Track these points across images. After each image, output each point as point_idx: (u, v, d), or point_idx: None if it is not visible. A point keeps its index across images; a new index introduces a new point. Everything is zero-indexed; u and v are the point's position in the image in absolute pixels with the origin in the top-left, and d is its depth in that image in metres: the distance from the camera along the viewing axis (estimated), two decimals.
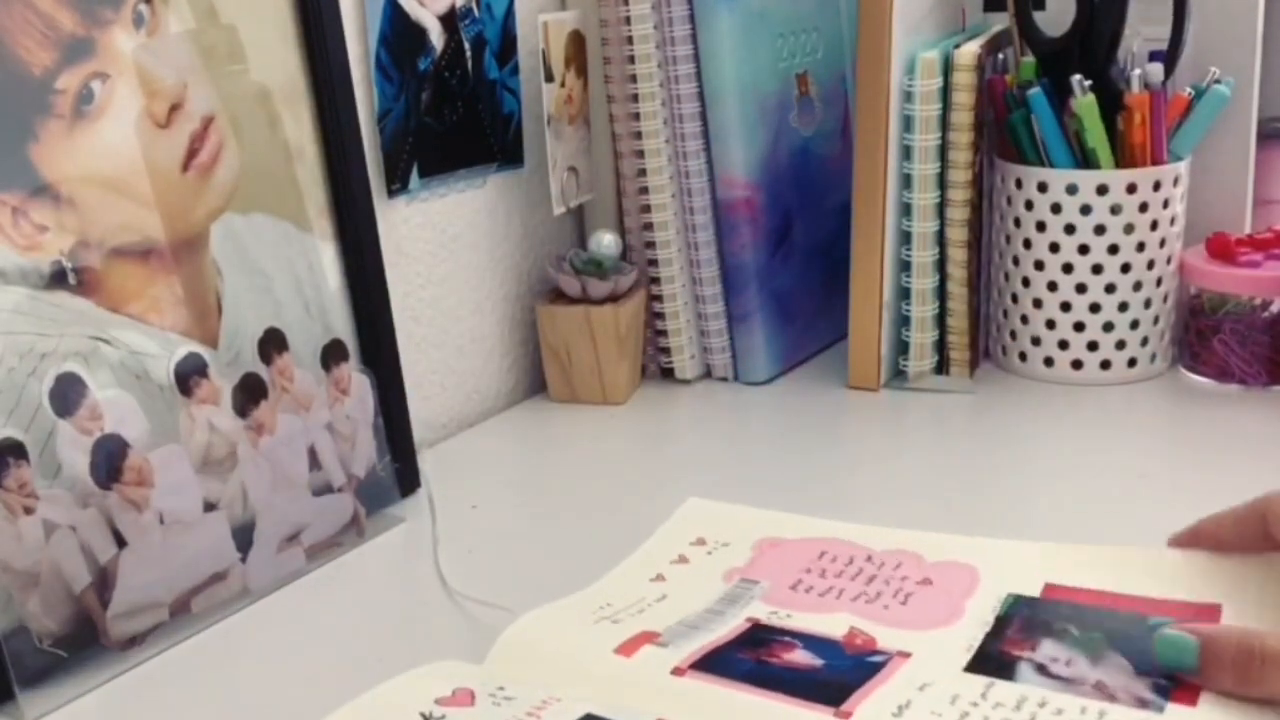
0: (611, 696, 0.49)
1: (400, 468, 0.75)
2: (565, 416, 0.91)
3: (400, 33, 0.82)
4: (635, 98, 0.90)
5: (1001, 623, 0.54)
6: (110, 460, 0.59)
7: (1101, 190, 0.86)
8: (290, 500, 0.67)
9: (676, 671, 0.51)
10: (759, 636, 0.54)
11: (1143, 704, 0.48)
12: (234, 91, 0.68)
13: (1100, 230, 0.86)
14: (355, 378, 0.72)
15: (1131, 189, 0.86)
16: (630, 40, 0.90)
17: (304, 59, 0.72)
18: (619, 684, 0.50)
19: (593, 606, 0.57)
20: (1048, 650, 0.52)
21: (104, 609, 0.58)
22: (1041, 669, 0.50)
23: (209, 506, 0.63)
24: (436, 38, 0.85)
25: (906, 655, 0.52)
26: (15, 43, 0.58)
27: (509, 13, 0.90)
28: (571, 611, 0.57)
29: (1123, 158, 0.86)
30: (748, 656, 0.52)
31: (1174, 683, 0.48)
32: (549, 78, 0.88)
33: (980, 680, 0.50)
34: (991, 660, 0.51)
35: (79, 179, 0.60)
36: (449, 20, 0.85)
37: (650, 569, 0.61)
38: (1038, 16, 0.90)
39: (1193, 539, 0.57)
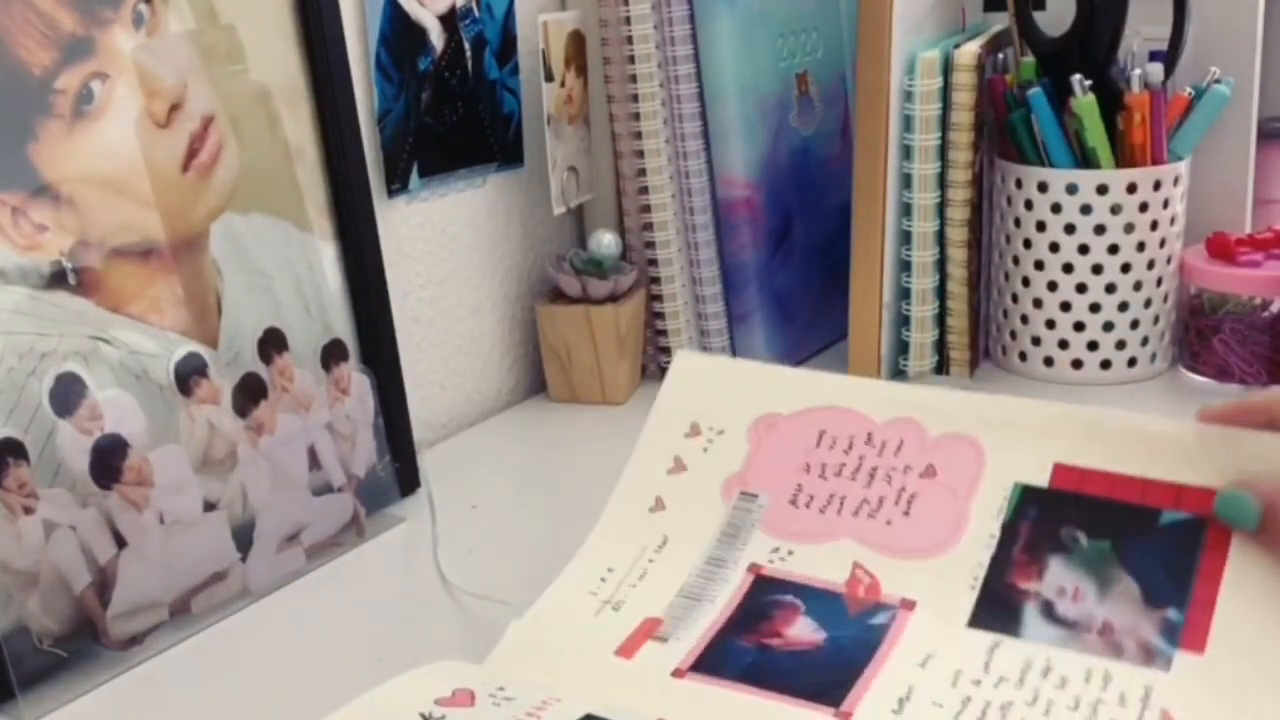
0: (611, 697, 0.49)
1: (400, 468, 0.75)
2: (565, 416, 0.91)
3: (400, 32, 0.82)
4: (635, 98, 0.90)
5: (1009, 533, 0.52)
6: (110, 460, 0.59)
7: (1101, 190, 0.86)
8: (290, 500, 0.67)
9: (677, 673, 0.51)
10: (761, 601, 0.53)
11: (1149, 656, 0.47)
12: (234, 91, 0.68)
13: (1100, 230, 0.86)
14: (355, 378, 0.72)
15: (1132, 189, 0.86)
16: (630, 40, 0.89)
17: (304, 59, 0.72)
18: (620, 686, 0.50)
19: (594, 576, 0.56)
20: (1055, 578, 0.50)
21: (104, 609, 0.58)
22: (1048, 609, 0.49)
23: (209, 506, 0.63)
24: (436, 37, 0.85)
25: (910, 606, 0.51)
26: (15, 42, 0.58)
27: (509, 12, 0.90)
28: (573, 592, 0.56)
29: (1123, 157, 0.86)
30: (749, 643, 0.51)
31: (1182, 616, 0.47)
32: (549, 77, 0.88)
33: (984, 640, 0.49)
34: (997, 602, 0.50)
35: (79, 179, 0.60)
36: (449, 20, 0.85)
37: (648, 488, 0.59)
38: (1038, 16, 0.90)
39: (1228, 415, 0.52)
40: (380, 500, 0.74)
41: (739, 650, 0.51)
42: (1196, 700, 0.46)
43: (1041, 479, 0.53)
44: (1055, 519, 0.52)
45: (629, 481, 0.60)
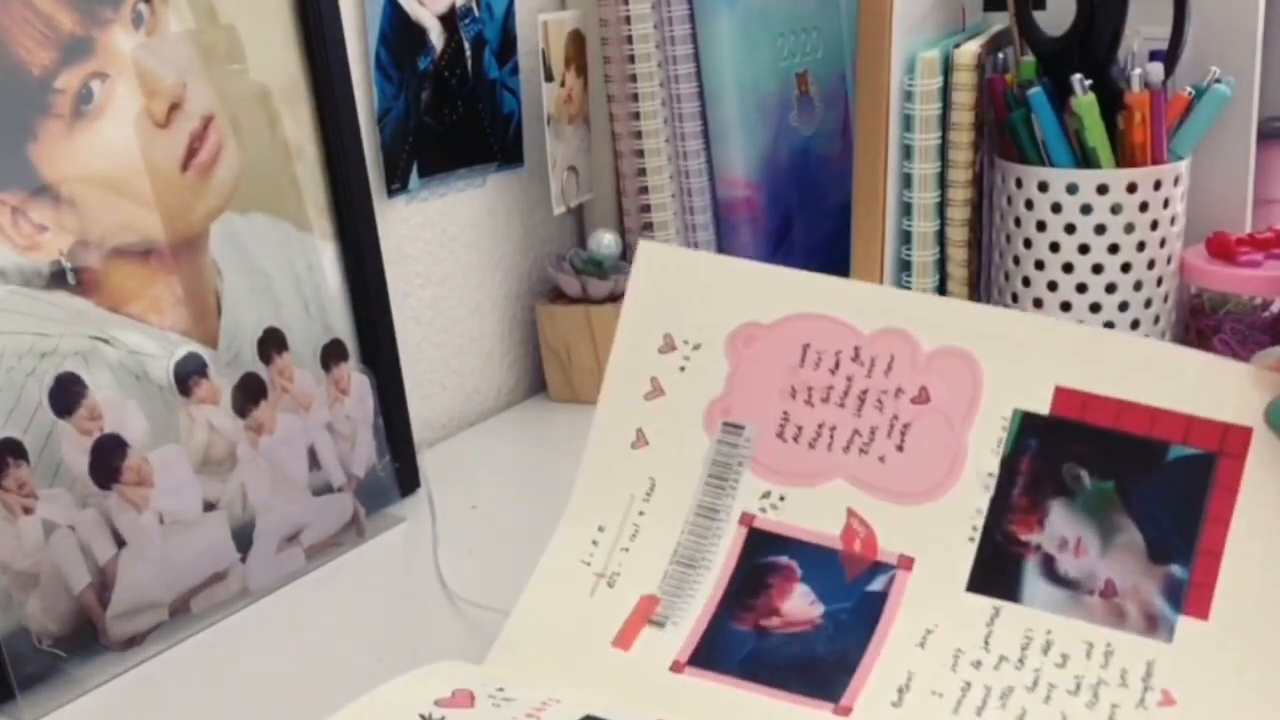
0: (611, 696, 0.49)
1: (400, 468, 0.75)
2: (565, 416, 0.91)
3: (400, 32, 0.82)
4: (635, 97, 0.90)
5: (1007, 470, 0.49)
6: (110, 460, 0.59)
7: (1102, 190, 0.86)
8: (290, 500, 0.67)
9: (675, 667, 0.51)
10: (756, 563, 0.51)
11: (1152, 625, 0.45)
12: (233, 91, 0.68)
13: (1100, 230, 0.86)
14: (355, 378, 0.72)
15: (1132, 188, 0.86)
16: (630, 40, 0.89)
17: (304, 59, 0.72)
18: (619, 683, 0.50)
19: (585, 539, 0.54)
20: (1056, 527, 0.48)
21: (103, 609, 0.58)
22: (1049, 567, 0.47)
23: (209, 506, 0.63)
24: (436, 37, 0.85)
25: (908, 564, 0.49)
26: (14, 42, 0.58)
27: (509, 12, 0.90)
28: (567, 563, 0.54)
29: (1123, 157, 0.86)
30: (746, 625, 0.50)
31: (1187, 572, 0.46)
32: (549, 77, 0.88)
33: (984, 609, 0.47)
34: (997, 559, 0.48)
35: (78, 179, 0.60)
36: (449, 20, 0.85)
37: (628, 418, 0.55)
38: (1038, 16, 0.90)
39: None
40: (380, 500, 0.74)
41: (736, 637, 0.50)
42: (1199, 674, 0.45)
43: (1042, 404, 0.50)
44: (1057, 453, 0.49)
45: (607, 411, 0.56)
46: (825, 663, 0.48)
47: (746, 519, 0.52)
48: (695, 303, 0.56)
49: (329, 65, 0.72)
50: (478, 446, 0.87)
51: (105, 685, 0.58)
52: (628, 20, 0.89)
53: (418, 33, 0.83)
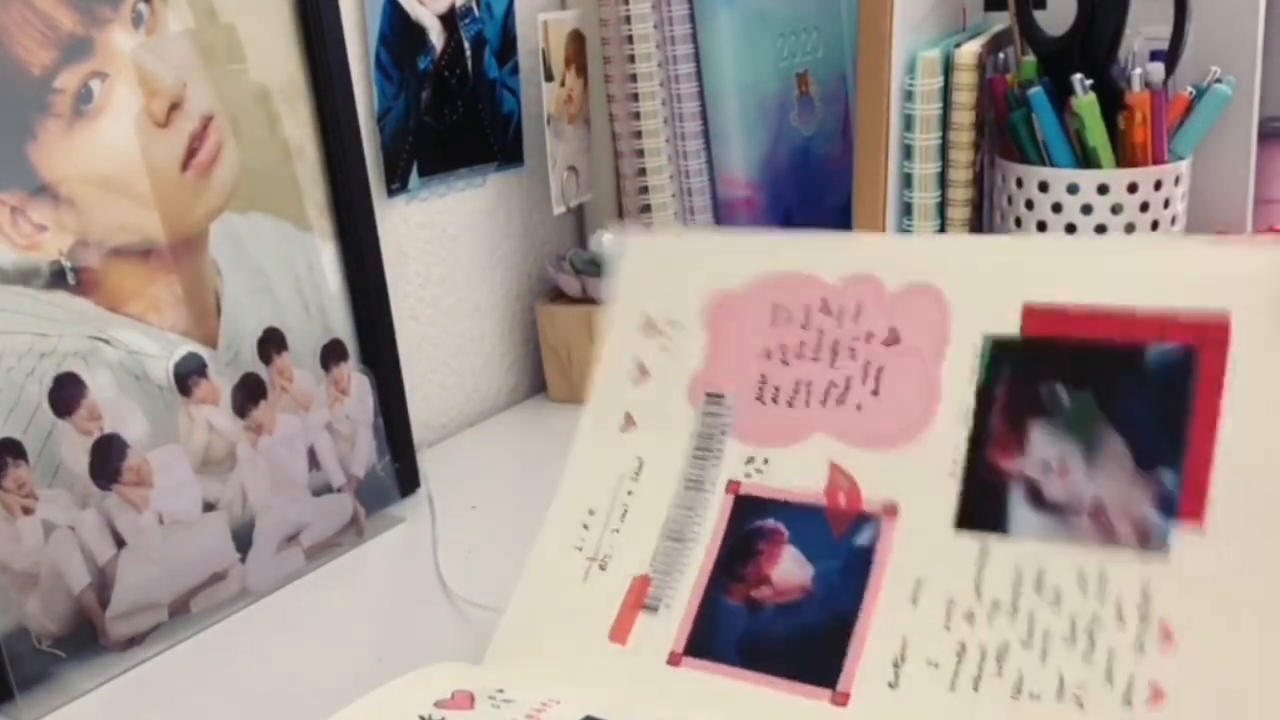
0: (611, 694, 0.49)
1: (400, 468, 0.75)
2: (565, 416, 0.90)
3: (400, 32, 0.82)
4: (635, 97, 0.90)
5: (984, 399, 0.48)
6: (109, 460, 0.59)
7: (1102, 190, 0.86)
8: (290, 500, 0.67)
9: (673, 659, 0.50)
10: (745, 529, 0.51)
11: (1145, 537, 0.44)
12: (233, 91, 0.67)
13: (1101, 230, 0.86)
14: (355, 378, 0.72)
15: (1132, 188, 0.85)
16: (630, 40, 0.89)
17: (304, 58, 0.72)
18: (618, 680, 0.50)
19: (576, 522, 0.55)
20: (1038, 449, 0.46)
21: (103, 609, 0.58)
22: (1035, 494, 0.46)
23: (208, 507, 0.63)
24: (436, 37, 0.85)
25: (893, 511, 0.48)
26: (14, 42, 0.57)
27: (509, 12, 0.90)
28: (559, 548, 0.54)
29: (1124, 157, 0.86)
30: (738, 598, 0.50)
31: (1178, 478, 0.44)
32: (549, 77, 0.88)
33: (972, 549, 0.46)
34: (981, 491, 0.47)
35: (78, 178, 0.60)
36: (449, 19, 0.85)
37: (617, 404, 0.56)
38: (1038, 16, 0.90)
39: None
40: (380, 500, 0.74)
41: (729, 614, 0.50)
42: (1197, 593, 0.43)
43: (1012, 326, 0.48)
44: (1033, 375, 0.47)
45: (596, 399, 0.57)
46: (818, 636, 0.48)
47: (733, 486, 0.52)
48: (669, 281, 0.56)
49: (329, 65, 0.72)
50: (478, 446, 0.87)
51: (105, 686, 0.57)
52: (628, 20, 0.89)
53: (418, 32, 0.83)
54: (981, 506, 0.47)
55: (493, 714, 0.48)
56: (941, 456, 0.48)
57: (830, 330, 0.52)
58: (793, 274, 0.54)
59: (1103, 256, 0.49)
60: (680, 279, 0.57)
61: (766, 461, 0.52)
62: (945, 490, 0.48)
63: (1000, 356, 0.48)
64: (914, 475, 0.49)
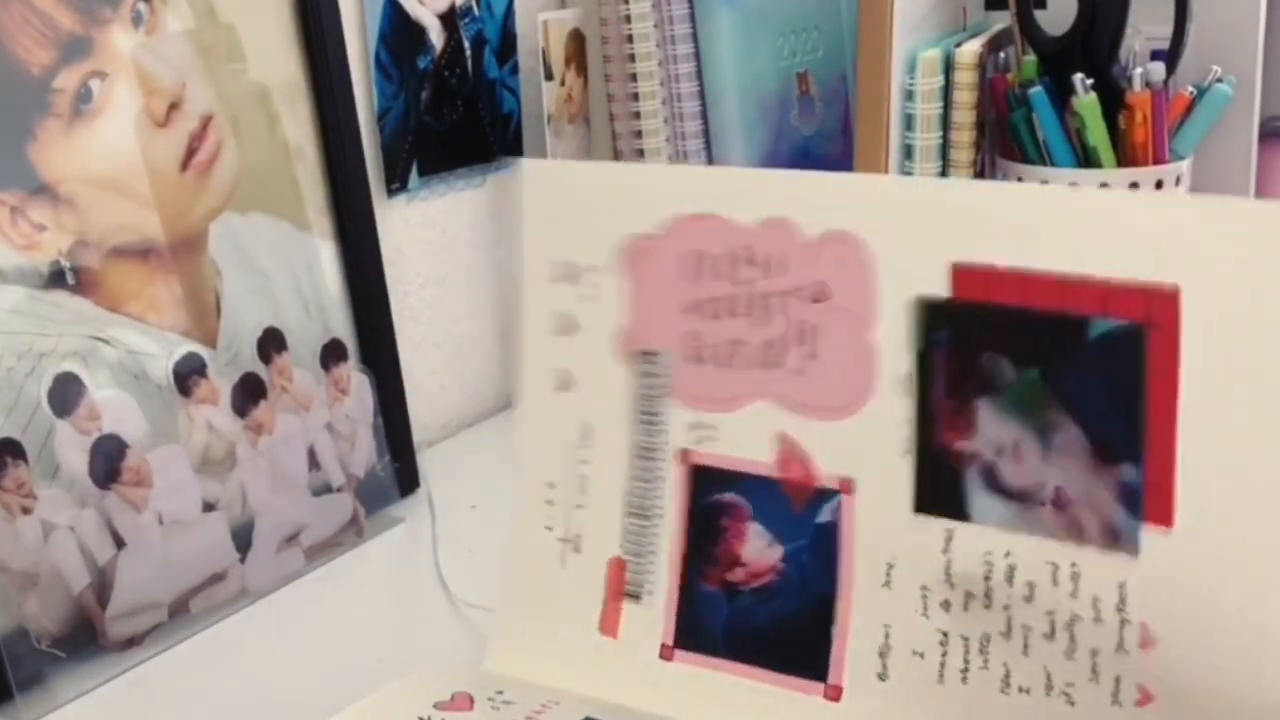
0: (609, 691, 0.49)
1: (400, 468, 0.75)
2: None
3: (400, 31, 0.82)
4: (635, 97, 0.90)
5: (924, 368, 0.45)
6: (109, 460, 0.59)
7: (1103, 189, 0.85)
8: (289, 500, 0.67)
9: (664, 652, 0.50)
10: (705, 503, 0.50)
11: (1113, 536, 0.41)
12: (233, 90, 0.67)
13: None
14: (355, 377, 0.72)
15: (1133, 188, 0.85)
16: (630, 39, 0.89)
17: (303, 58, 0.72)
18: (614, 676, 0.50)
19: (541, 500, 0.53)
20: (988, 428, 0.44)
21: (102, 609, 0.58)
22: (990, 477, 0.44)
23: (208, 507, 0.63)
24: (436, 36, 0.85)
25: (849, 486, 0.46)
26: (14, 42, 0.57)
27: (509, 11, 0.90)
28: (532, 532, 0.53)
29: (1124, 157, 0.86)
30: (714, 584, 0.50)
31: (1140, 473, 0.41)
32: (549, 76, 0.88)
33: (937, 532, 0.45)
34: (935, 474, 0.45)
35: (77, 178, 0.60)
36: (449, 19, 0.85)
37: (548, 360, 0.53)
38: (1039, 15, 0.90)
39: None
40: (380, 500, 0.74)
41: (709, 602, 0.50)
42: (1172, 594, 0.41)
43: (941, 287, 0.44)
44: (972, 342, 0.44)
45: (526, 355, 0.53)
46: (800, 624, 0.48)
47: (683, 456, 0.50)
48: (584, 221, 0.52)
49: (329, 65, 0.72)
50: (478, 446, 0.87)
51: (104, 686, 0.57)
52: (628, 19, 0.89)
53: (417, 32, 0.83)
54: (939, 489, 0.45)
55: (492, 715, 0.47)
56: (889, 432, 0.45)
57: (757, 282, 0.48)
58: (709, 216, 0.49)
59: (1037, 208, 0.43)
60: (590, 219, 0.52)
61: (715, 429, 0.50)
62: (898, 470, 0.45)
63: (934, 321, 0.44)
64: (864, 450, 0.46)
